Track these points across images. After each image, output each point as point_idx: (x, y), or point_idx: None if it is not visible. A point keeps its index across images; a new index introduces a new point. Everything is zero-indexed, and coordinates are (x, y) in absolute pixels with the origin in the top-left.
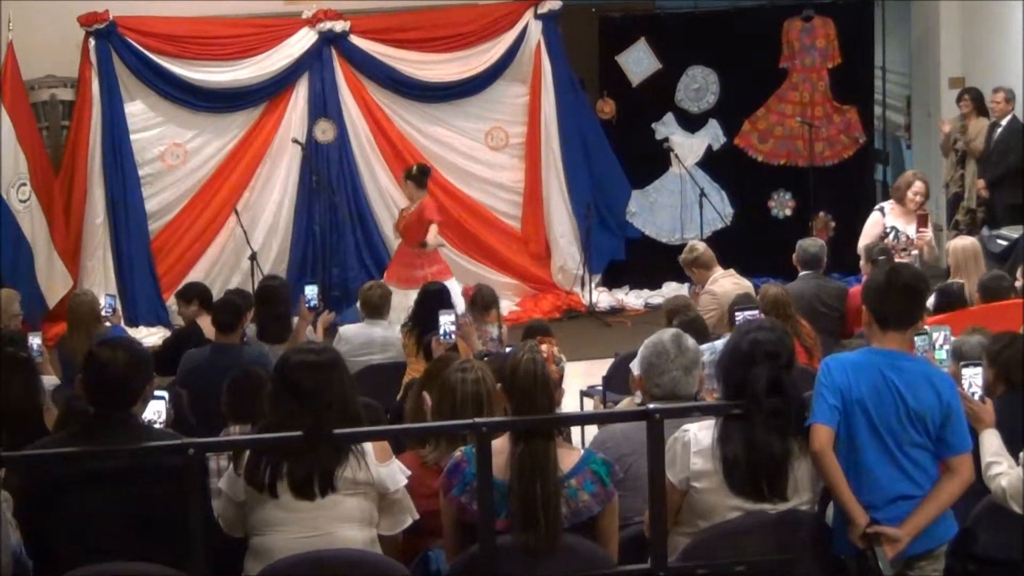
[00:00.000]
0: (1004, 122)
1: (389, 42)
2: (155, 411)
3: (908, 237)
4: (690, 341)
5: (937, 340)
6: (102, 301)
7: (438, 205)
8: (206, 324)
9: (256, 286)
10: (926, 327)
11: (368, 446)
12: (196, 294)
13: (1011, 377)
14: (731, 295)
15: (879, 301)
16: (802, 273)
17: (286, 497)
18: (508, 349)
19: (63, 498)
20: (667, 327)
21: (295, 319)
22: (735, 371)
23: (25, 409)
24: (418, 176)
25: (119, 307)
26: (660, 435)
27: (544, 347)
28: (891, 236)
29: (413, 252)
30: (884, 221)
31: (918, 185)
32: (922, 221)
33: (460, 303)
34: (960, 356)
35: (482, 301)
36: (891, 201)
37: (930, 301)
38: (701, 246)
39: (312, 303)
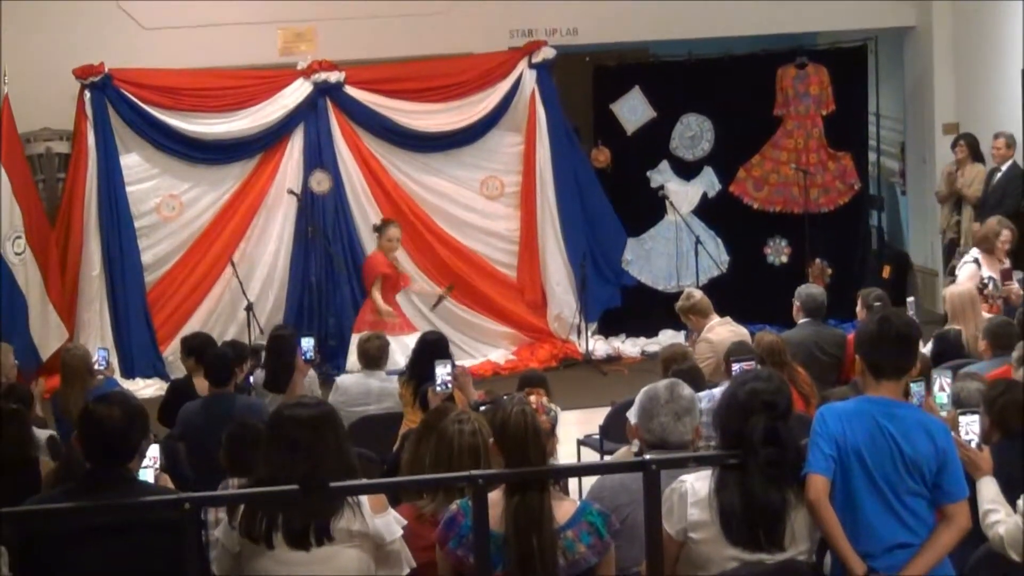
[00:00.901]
0: (1004, 167)
1: (384, 92)
2: (151, 457)
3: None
4: (686, 390)
5: (936, 386)
6: (95, 354)
7: (380, 261)
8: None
9: (253, 337)
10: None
11: (364, 497)
12: (192, 348)
13: (1008, 424)
14: (727, 343)
15: (872, 349)
16: (802, 320)
17: (281, 548)
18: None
19: (60, 553)
20: (664, 375)
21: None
22: (732, 421)
23: (19, 461)
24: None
25: (113, 360)
26: (656, 485)
27: (533, 398)
28: (990, 286)
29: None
30: (981, 272)
31: (1006, 234)
32: (1006, 275)
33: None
34: (958, 403)
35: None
36: (976, 250)
37: (927, 348)
38: (698, 293)
39: (308, 355)
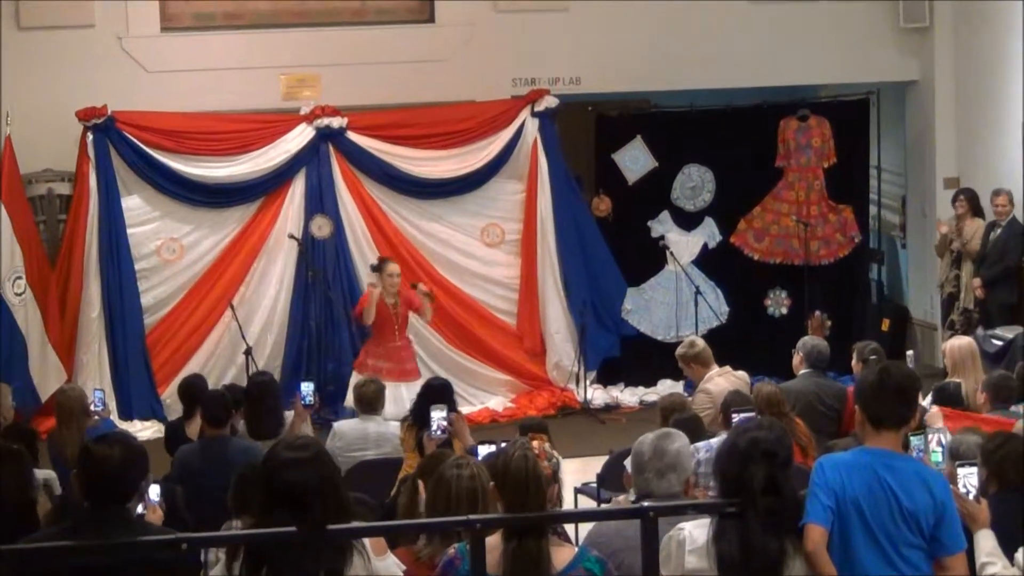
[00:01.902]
0: (1004, 223)
1: (386, 138)
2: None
3: None
4: (673, 445)
5: (932, 442)
6: (92, 395)
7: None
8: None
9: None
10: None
11: (366, 541)
12: (185, 390)
13: (1005, 476)
14: (725, 393)
15: (872, 401)
16: (803, 371)
17: None
18: (503, 444)
19: None
20: (663, 425)
21: (287, 414)
22: (731, 469)
23: (17, 501)
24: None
25: (111, 401)
26: (654, 533)
27: (535, 444)
28: None
29: (382, 346)
30: None
31: None
32: None
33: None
34: (956, 456)
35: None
36: None
37: (927, 400)
38: (700, 343)
39: (307, 400)
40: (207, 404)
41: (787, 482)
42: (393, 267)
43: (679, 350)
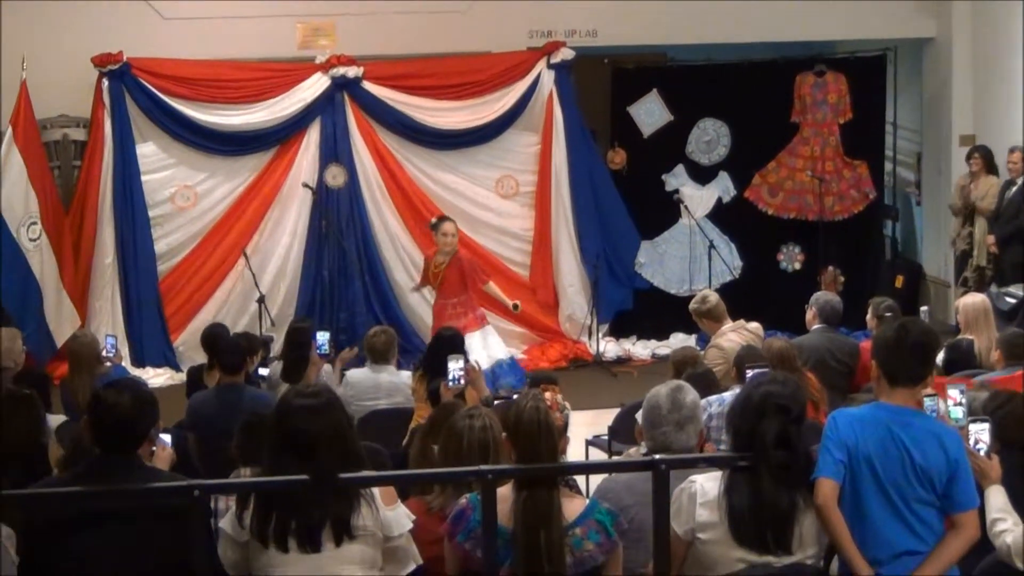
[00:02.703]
0: (1020, 181)
1: (402, 88)
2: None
3: None
4: (688, 397)
5: (952, 399)
6: (104, 342)
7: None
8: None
9: (264, 329)
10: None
11: (375, 491)
12: (205, 338)
13: (1007, 436)
14: (737, 349)
15: (889, 357)
16: (816, 326)
17: (293, 545)
18: (515, 396)
19: (67, 538)
20: (675, 378)
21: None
22: (744, 423)
23: (28, 447)
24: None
25: (124, 348)
26: (666, 485)
27: (548, 395)
28: None
29: (451, 303)
30: None
31: None
32: None
33: (500, 348)
34: (969, 411)
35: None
36: None
37: (940, 357)
38: (713, 298)
39: (323, 349)
40: (222, 352)
41: (799, 437)
42: (448, 226)
43: (692, 305)
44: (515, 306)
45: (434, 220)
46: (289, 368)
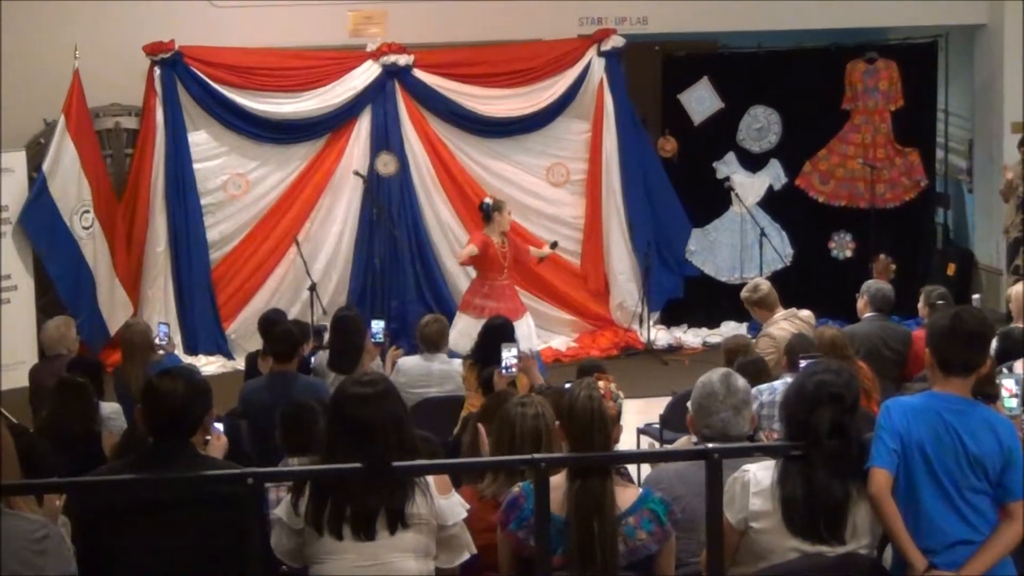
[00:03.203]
0: None
1: (452, 76)
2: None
3: None
4: (740, 381)
5: (1008, 390)
6: (157, 329)
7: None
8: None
9: (315, 318)
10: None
11: (430, 479)
12: (261, 327)
13: None
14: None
15: (943, 346)
16: (868, 315)
17: (348, 533)
18: (567, 385)
19: (121, 526)
20: (725, 366)
21: None
22: (798, 412)
23: (82, 434)
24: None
25: (176, 336)
26: (719, 474)
27: (601, 383)
28: None
29: (487, 285)
30: None
31: None
32: None
33: (532, 339)
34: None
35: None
36: None
37: (992, 346)
38: (765, 286)
39: (378, 337)
40: (274, 339)
41: (853, 426)
42: (507, 205)
43: (743, 293)
44: (554, 244)
45: (493, 201)
46: (335, 356)
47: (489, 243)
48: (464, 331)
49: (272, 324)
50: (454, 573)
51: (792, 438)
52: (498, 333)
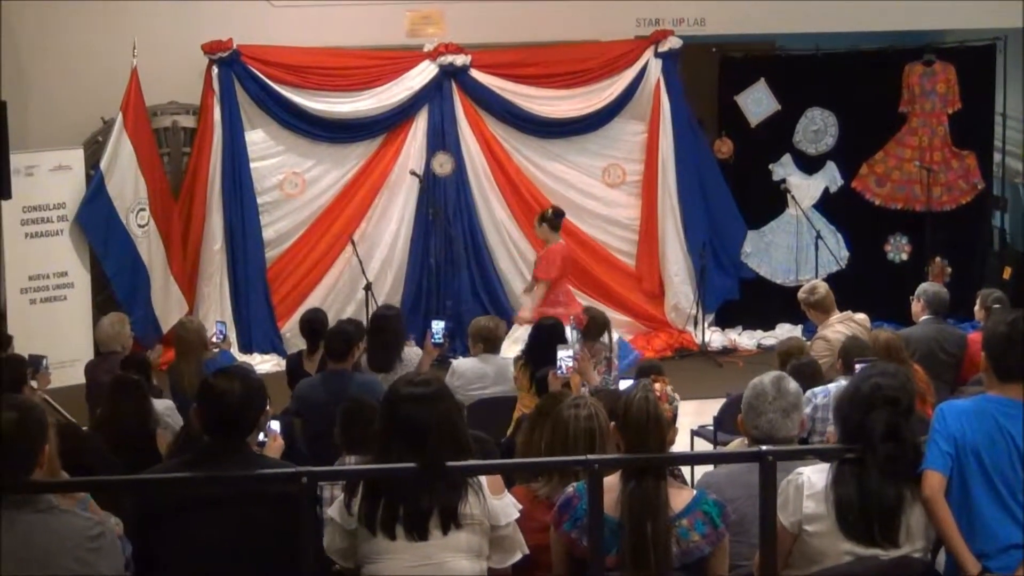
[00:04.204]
0: None
1: (509, 77)
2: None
3: None
4: (792, 384)
5: None
6: (213, 328)
7: (560, 258)
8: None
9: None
10: None
11: (483, 479)
12: (304, 327)
13: None
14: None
15: (999, 352)
16: (924, 318)
17: (400, 536)
18: (622, 386)
19: (177, 525)
20: (780, 369)
21: (407, 349)
22: (853, 414)
23: (137, 432)
24: (551, 219)
25: (232, 334)
26: (773, 477)
27: (657, 386)
28: None
29: (562, 293)
30: None
31: None
32: None
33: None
34: None
35: (596, 327)
36: None
37: None
38: (822, 289)
39: (437, 338)
40: (329, 338)
41: (908, 429)
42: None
43: (800, 294)
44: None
45: (553, 212)
46: (371, 355)
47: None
48: None
49: (315, 323)
50: (506, 573)
51: (846, 441)
52: (549, 333)
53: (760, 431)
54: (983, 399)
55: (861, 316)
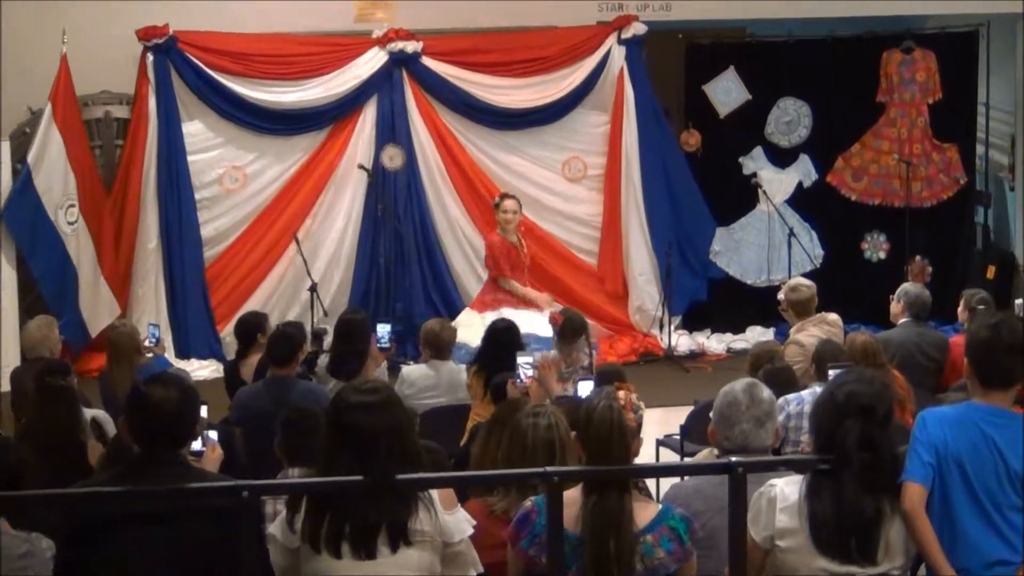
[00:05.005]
0: None
1: (463, 65)
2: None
3: None
4: (765, 392)
5: None
6: (146, 330)
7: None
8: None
9: (315, 320)
10: None
11: (434, 493)
12: (238, 330)
13: None
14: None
15: (982, 359)
16: (904, 320)
17: (347, 550)
18: (584, 395)
19: (107, 543)
20: (751, 375)
21: None
22: (826, 423)
23: (66, 443)
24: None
25: (167, 338)
26: (743, 490)
27: (621, 393)
28: None
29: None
30: None
31: None
32: None
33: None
34: None
35: (571, 329)
36: None
37: None
38: (807, 288)
39: (383, 342)
40: (272, 342)
41: (885, 439)
42: (508, 203)
43: (782, 293)
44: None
45: (497, 198)
46: (337, 362)
47: (499, 243)
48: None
49: (255, 326)
50: None
51: (821, 451)
52: (505, 337)
53: (732, 442)
54: (966, 406)
55: (833, 317)
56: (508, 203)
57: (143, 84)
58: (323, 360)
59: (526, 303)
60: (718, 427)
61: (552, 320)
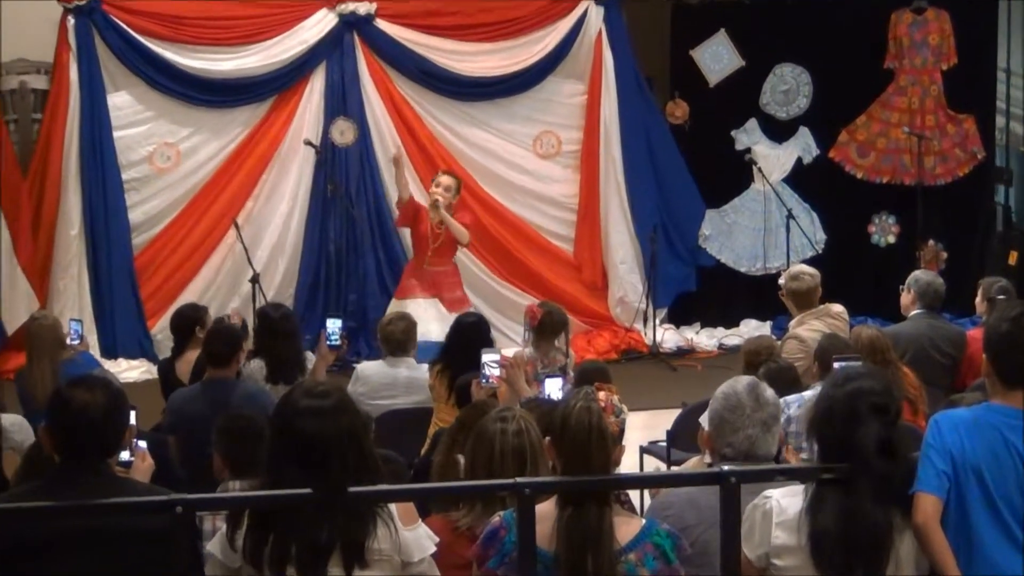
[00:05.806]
0: None
1: (422, 28)
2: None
3: None
4: (769, 392)
5: None
6: (67, 326)
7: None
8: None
9: (258, 313)
10: None
11: (393, 507)
12: (173, 325)
13: None
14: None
15: (1002, 354)
16: (915, 312)
17: (293, 572)
18: (552, 394)
19: (22, 563)
20: (747, 373)
21: (309, 355)
22: (835, 428)
23: None
24: None
25: (91, 335)
26: (736, 502)
27: (602, 395)
28: None
29: (435, 271)
30: None
31: None
32: None
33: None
34: None
35: (551, 325)
36: None
37: None
38: (810, 276)
39: (333, 339)
40: (209, 339)
41: (901, 442)
42: (443, 178)
43: (783, 281)
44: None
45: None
46: (271, 364)
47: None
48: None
49: (194, 320)
50: None
51: (828, 459)
52: (471, 333)
53: (735, 449)
54: (985, 408)
55: (838, 308)
56: (443, 178)
57: (63, 51)
58: (255, 365)
59: (435, 290)
60: (718, 433)
61: (530, 314)
